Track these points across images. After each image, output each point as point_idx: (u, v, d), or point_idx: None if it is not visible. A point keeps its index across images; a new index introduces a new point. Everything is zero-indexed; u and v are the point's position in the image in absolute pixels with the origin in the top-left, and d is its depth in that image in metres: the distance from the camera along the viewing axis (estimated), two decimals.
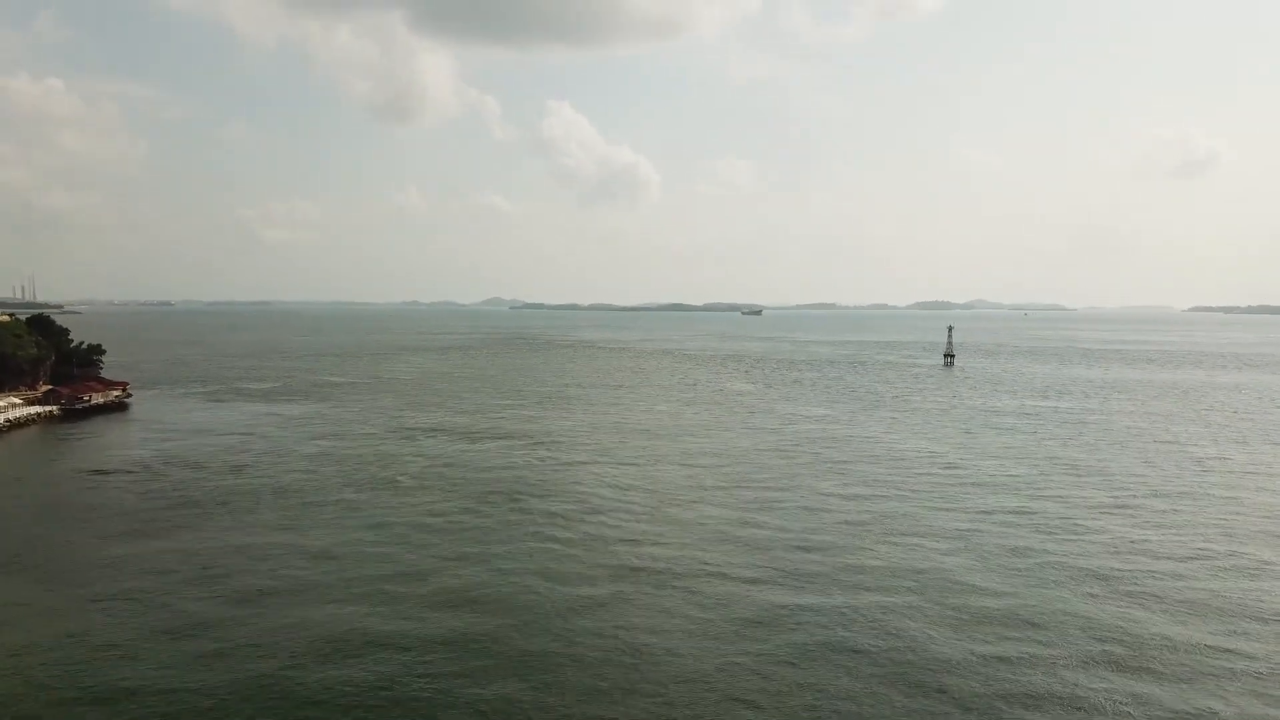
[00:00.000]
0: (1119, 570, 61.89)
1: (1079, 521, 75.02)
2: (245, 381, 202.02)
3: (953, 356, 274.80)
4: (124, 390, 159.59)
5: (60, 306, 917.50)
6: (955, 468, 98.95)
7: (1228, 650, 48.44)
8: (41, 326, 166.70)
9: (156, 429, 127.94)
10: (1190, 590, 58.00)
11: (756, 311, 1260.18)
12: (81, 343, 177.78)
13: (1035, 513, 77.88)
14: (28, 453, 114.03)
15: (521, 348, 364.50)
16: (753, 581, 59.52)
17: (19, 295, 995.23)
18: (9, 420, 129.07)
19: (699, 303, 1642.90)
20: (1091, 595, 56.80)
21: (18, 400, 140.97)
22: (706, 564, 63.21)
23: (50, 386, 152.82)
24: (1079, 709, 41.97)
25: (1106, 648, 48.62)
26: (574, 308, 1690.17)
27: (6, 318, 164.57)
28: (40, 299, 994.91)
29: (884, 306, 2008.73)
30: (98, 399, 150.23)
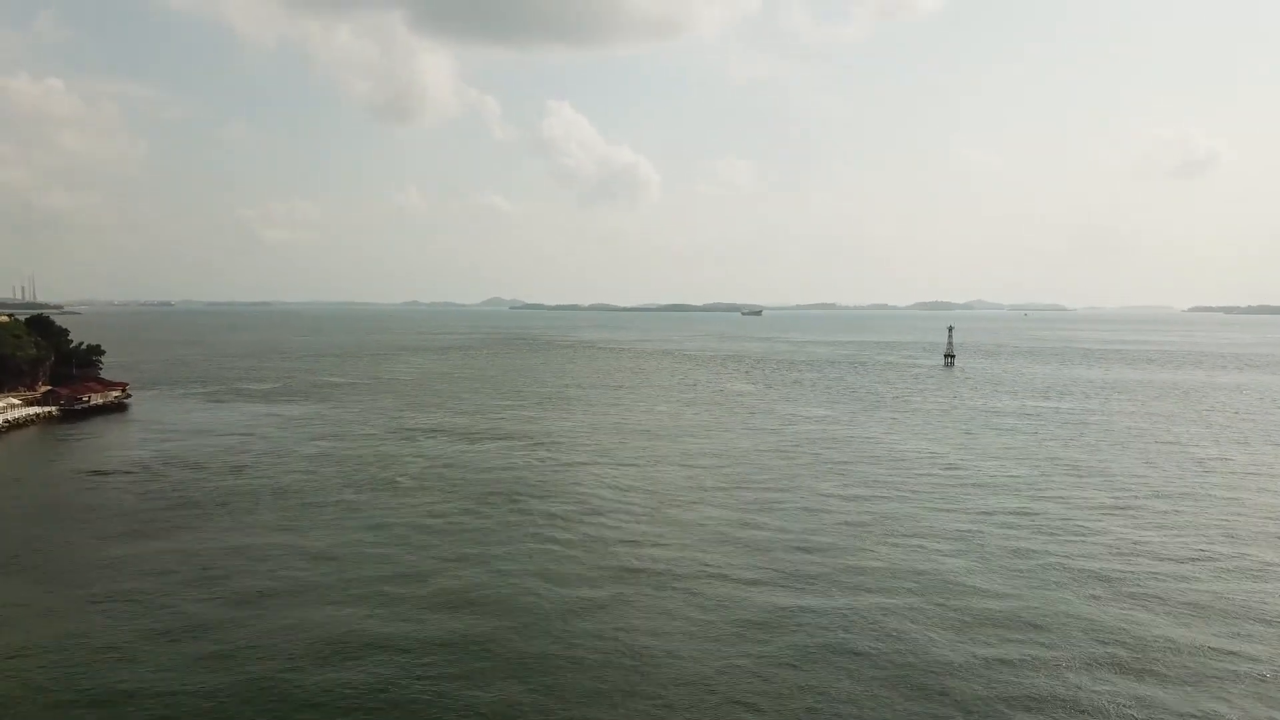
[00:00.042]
0: (1121, 572, 61.70)
1: (1080, 523, 74.82)
2: (245, 382, 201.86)
3: (953, 357, 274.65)
4: (123, 391, 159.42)
5: (60, 307, 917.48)
6: (956, 468, 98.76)
7: (1231, 652, 48.25)
8: (41, 327, 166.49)
9: (156, 429, 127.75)
10: (1193, 592, 57.81)
11: (757, 312, 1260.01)
12: (81, 343, 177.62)
13: (1037, 514, 77.68)
14: (27, 453, 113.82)
15: (521, 348, 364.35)
16: (753, 583, 59.33)
17: (19, 296, 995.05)
18: (8, 421, 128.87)
19: (699, 303, 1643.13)
20: (1094, 597, 56.61)
21: (17, 401, 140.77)
22: (707, 565, 63.01)
23: (49, 387, 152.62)
24: (1082, 712, 41.77)
25: (1109, 650, 48.42)
26: (574, 308, 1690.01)
27: (6, 318, 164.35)
28: (40, 299, 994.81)
29: (884, 307, 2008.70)
30: (97, 399, 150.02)
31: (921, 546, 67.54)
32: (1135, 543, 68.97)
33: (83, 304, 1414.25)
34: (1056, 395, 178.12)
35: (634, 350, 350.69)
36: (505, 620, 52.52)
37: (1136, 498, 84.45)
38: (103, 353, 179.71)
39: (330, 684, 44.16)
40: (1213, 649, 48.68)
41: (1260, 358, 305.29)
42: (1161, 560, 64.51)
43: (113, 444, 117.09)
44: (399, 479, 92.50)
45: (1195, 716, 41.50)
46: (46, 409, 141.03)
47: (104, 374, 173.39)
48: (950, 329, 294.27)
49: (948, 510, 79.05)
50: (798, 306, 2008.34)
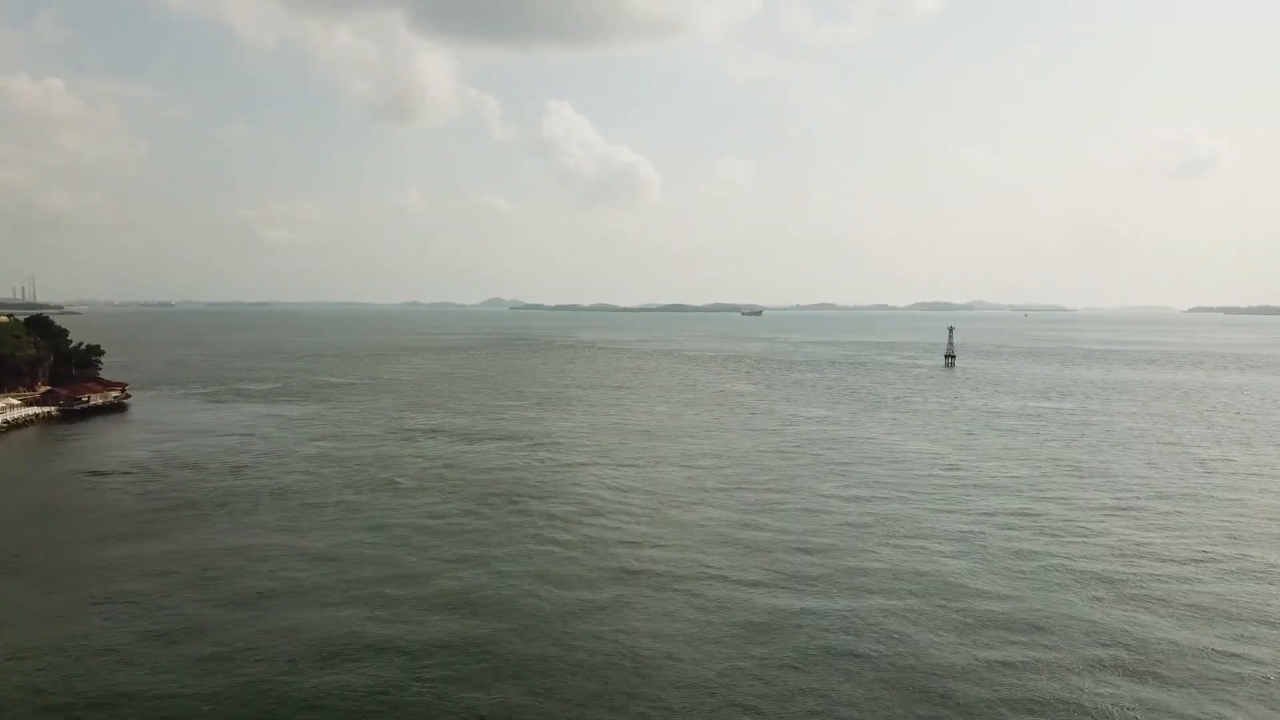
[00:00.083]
0: (1123, 573, 61.45)
1: (1082, 524, 74.58)
2: (245, 382, 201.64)
3: (953, 357, 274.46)
4: (123, 391, 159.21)
5: (60, 307, 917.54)
6: (957, 469, 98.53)
7: (1234, 655, 47.99)
8: (40, 327, 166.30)
9: (155, 430, 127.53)
10: (1196, 594, 57.56)
11: (757, 312, 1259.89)
12: (80, 343, 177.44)
13: (1038, 515, 77.44)
14: (26, 454, 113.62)
15: (521, 349, 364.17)
16: (754, 585, 59.09)
17: (19, 296, 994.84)
18: (7, 421, 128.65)
19: (699, 303, 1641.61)
20: (1096, 599, 56.37)
21: (16, 401, 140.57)
22: (707, 567, 62.78)
23: (49, 387, 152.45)
24: (1085, 715, 41.54)
25: (1112, 652, 48.19)
26: (574, 308, 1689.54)
27: (5, 318, 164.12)
28: (40, 299, 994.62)
29: (884, 307, 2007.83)
30: (96, 400, 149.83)
31: (923, 548, 67.31)
32: (1137, 544, 68.73)
33: (83, 304, 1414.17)
34: (1057, 396, 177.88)
35: (634, 351, 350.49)
36: (505, 622, 52.30)
37: (1138, 499, 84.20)
38: (102, 353, 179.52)
39: (329, 686, 43.93)
40: (1216, 651, 48.43)
41: (1261, 358, 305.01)
42: (1164, 562, 64.25)
43: (112, 444, 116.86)
44: (399, 480, 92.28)
45: None
46: (46, 409, 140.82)
47: (103, 374, 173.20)
48: (951, 329, 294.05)
49: (949, 511, 78.82)
50: (798, 307, 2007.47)
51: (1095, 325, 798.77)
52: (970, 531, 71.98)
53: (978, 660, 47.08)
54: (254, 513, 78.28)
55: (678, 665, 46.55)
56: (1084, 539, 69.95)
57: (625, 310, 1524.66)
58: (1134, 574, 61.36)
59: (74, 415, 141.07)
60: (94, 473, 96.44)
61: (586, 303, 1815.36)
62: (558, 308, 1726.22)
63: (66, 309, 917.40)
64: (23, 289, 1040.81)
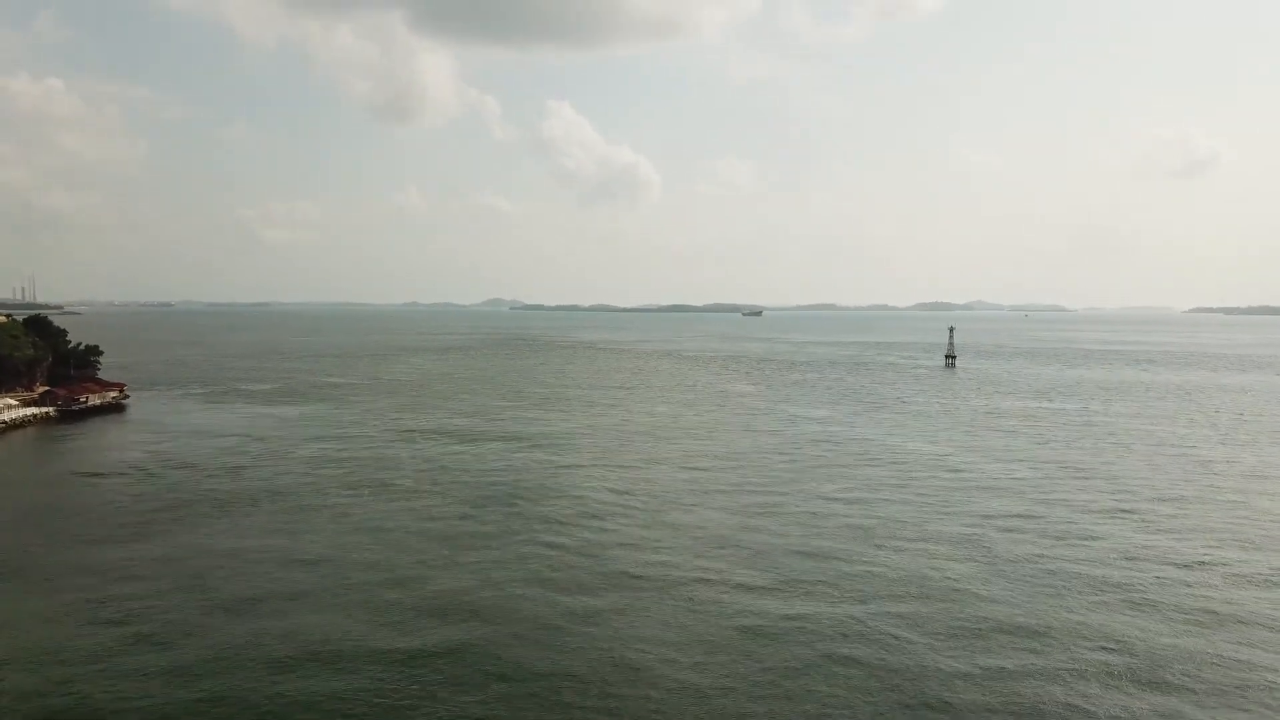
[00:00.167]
0: (1128, 578, 60.81)
1: (1085, 527, 73.96)
2: (244, 382, 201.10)
3: (954, 358, 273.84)
4: (121, 391, 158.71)
5: (60, 307, 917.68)
6: (958, 471, 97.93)
7: (1241, 661, 47.36)
8: (38, 327, 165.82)
9: (153, 430, 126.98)
10: (1202, 598, 56.90)
11: (757, 312, 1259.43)
12: (79, 344, 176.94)
13: (1041, 517, 76.82)
14: (23, 455, 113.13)
15: (521, 349, 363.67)
16: (753, 589, 58.48)
17: (19, 296, 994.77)
18: (5, 422, 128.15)
19: (699, 303, 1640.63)
20: (1101, 604, 55.71)
21: (14, 401, 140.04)
22: (707, 570, 62.16)
23: (47, 388, 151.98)
24: None
25: (1116, 658, 47.54)
26: (574, 309, 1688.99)
27: (4, 319, 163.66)
28: (40, 299, 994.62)
29: (884, 307, 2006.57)
30: (94, 400, 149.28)
31: (924, 551, 66.70)
32: (1142, 547, 68.10)
33: (83, 304, 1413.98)
34: (1059, 396, 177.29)
35: (634, 351, 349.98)
36: (501, 627, 51.69)
37: (1142, 501, 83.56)
38: (100, 353, 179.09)
39: (324, 691, 43.33)
40: (1223, 657, 47.77)
41: (1263, 359, 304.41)
42: (1169, 565, 63.60)
43: (109, 445, 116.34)
44: (397, 481, 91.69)
45: None
46: (44, 410, 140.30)
47: (102, 374, 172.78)
48: (951, 329, 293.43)
49: (950, 514, 78.21)
50: (798, 307, 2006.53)
51: (1095, 325, 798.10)
52: (972, 534, 71.37)
53: (979, 667, 46.47)
54: (251, 514, 77.71)
55: (675, 672, 45.93)
56: (1087, 542, 69.33)
57: (625, 310, 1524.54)
58: (1138, 578, 60.74)
59: (72, 416, 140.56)
60: (91, 474, 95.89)
61: (586, 303, 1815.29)
62: (558, 308, 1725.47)
63: (67, 309, 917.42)
64: (23, 289, 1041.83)
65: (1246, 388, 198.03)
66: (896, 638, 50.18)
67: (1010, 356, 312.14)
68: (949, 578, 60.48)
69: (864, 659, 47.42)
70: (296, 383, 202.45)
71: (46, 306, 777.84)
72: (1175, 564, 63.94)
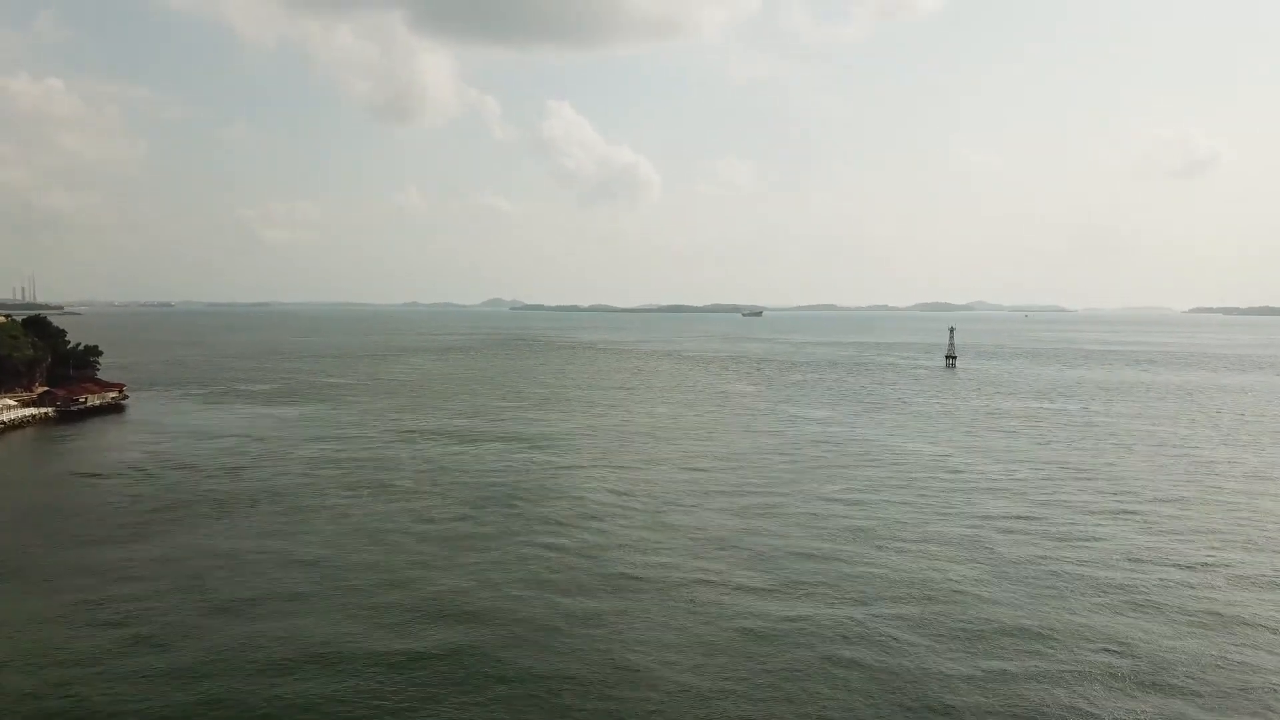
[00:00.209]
0: (1131, 579, 60.53)
1: (1088, 528, 73.70)
2: (243, 383, 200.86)
3: (954, 358, 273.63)
4: (120, 392, 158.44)
5: (60, 307, 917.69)
6: (959, 472, 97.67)
7: (1245, 664, 47.08)
8: (38, 328, 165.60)
9: (152, 431, 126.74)
10: (1206, 600, 56.60)
11: (757, 313, 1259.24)
12: (78, 344, 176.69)
13: (1042, 519, 76.55)
14: (22, 455, 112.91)
15: (521, 349, 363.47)
16: (754, 591, 58.22)
17: (19, 296, 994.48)
18: (4, 422, 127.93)
19: (699, 304, 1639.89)
20: (1103, 605, 55.44)
21: (13, 402, 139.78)
22: (706, 572, 61.89)
23: (46, 388, 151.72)
24: None
25: (1120, 661, 47.28)
26: (574, 309, 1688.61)
27: (3, 319, 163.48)
28: (40, 300, 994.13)
29: (884, 308, 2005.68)
30: (94, 401, 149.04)
31: (925, 553, 66.43)
32: (1145, 548, 67.83)
33: (83, 304, 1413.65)
34: (1059, 397, 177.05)
35: (634, 351, 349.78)
36: (500, 630, 51.43)
37: (1144, 502, 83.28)
38: (100, 354, 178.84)
39: (320, 694, 43.07)
40: (1227, 659, 47.51)
41: (1264, 359, 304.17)
42: (1172, 567, 63.33)
43: (108, 445, 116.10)
44: (397, 482, 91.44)
45: None
46: (43, 410, 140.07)
47: (101, 375, 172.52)
48: (952, 330, 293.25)
49: (951, 515, 77.95)
50: (798, 307, 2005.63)
51: (1096, 326, 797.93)
52: (973, 536, 71.11)
53: (981, 669, 46.21)
54: (250, 515, 77.46)
55: (675, 674, 45.68)
56: (1089, 543, 69.07)
57: (625, 311, 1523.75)
58: (1141, 579, 60.47)
59: (71, 416, 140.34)
60: (90, 474, 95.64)
61: (586, 303, 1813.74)
62: (558, 308, 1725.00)
63: (67, 309, 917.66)
64: (23, 289, 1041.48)
65: (1247, 388, 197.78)
66: (898, 640, 49.92)
67: (1010, 357, 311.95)
68: (950, 579, 60.23)
69: (865, 661, 47.17)
70: (296, 383, 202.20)
71: (47, 307, 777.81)
72: (1178, 565, 63.67)
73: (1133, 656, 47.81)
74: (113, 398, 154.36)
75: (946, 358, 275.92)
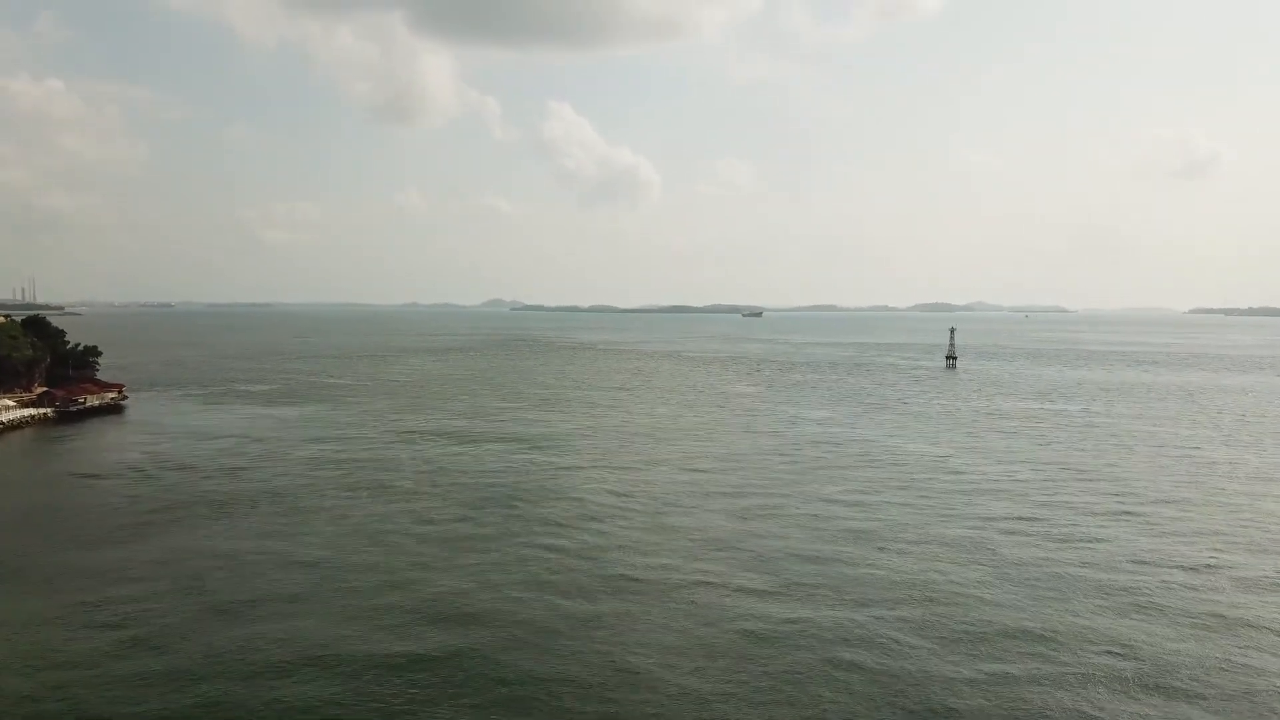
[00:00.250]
0: (1134, 582, 60.24)
1: (1090, 529, 73.42)
2: (242, 383, 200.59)
3: (955, 358, 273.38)
4: (119, 392, 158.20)
5: (61, 308, 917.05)
6: (960, 473, 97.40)
7: (1249, 667, 46.80)
8: (37, 328, 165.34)
9: (151, 431, 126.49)
10: (1209, 602, 56.30)
11: (757, 313, 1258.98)
12: (77, 344, 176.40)
13: (1044, 520, 76.28)
14: (20, 456, 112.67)
15: (521, 349, 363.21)
16: (754, 593, 57.95)
17: (19, 297, 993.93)
18: (3, 423, 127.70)
19: (699, 304, 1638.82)
20: (1106, 608, 55.15)
21: (12, 402, 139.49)
22: (707, 574, 61.61)
23: (45, 389, 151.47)
24: None
25: (1123, 663, 47.00)
26: (574, 309, 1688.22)
27: (2, 319, 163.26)
28: (40, 300, 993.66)
29: (884, 308, 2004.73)
30: (93, 401, 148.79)
31: (926, 555, 66.15)
32: (1147, 550, 67.53)
33: (83, 305, 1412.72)
34: (1060, 397, 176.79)
35: (635, 352, 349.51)
36: (498, 633, 51.15)
37: (1146, 503, 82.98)
38: (99, 354, 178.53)
39: (319, 698, 42.80)
40: (1231, 662, 47.24)
41: (1265, 359, 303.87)
42: (1175, 569, 63.02)
43: (107, 446, 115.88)
44: (396, 483, 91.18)
45: None
46: (42, 411, 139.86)
47: (101, 375, 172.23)
48: (952, 330, 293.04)
49: (952, 516, 77.68)
50: (798, 308, 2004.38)
51: (1096, 326, 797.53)
52: (975, 537, 70.83)
53: (984, 672, 45.94)
54: (248, 517, 77.19)
55: (675, 676, 45.40)
56: (1091, 545, 68.78)
57: (625, 311, 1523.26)
58: (1144, 581, 60.18)
59: (70, 417, 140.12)
60: (89, 475, 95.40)
61: (586, 304, 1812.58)
62: (558, 309, 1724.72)
63: (67, 310, 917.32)
64: (23, 290, 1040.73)
65: (1248, 389, 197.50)
66: (899, 642, 49.66)
67: (1011, 357, 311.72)
68: (952, 581, 59.96)
69: (866, 664, 46.90)
70: (296, 383, 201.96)
71: (47, 307, 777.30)
72: (1181, 567, 63.40)
73: (1136, 659, 47.54)
74: (112, 398, 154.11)
75: (947, 358, 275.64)
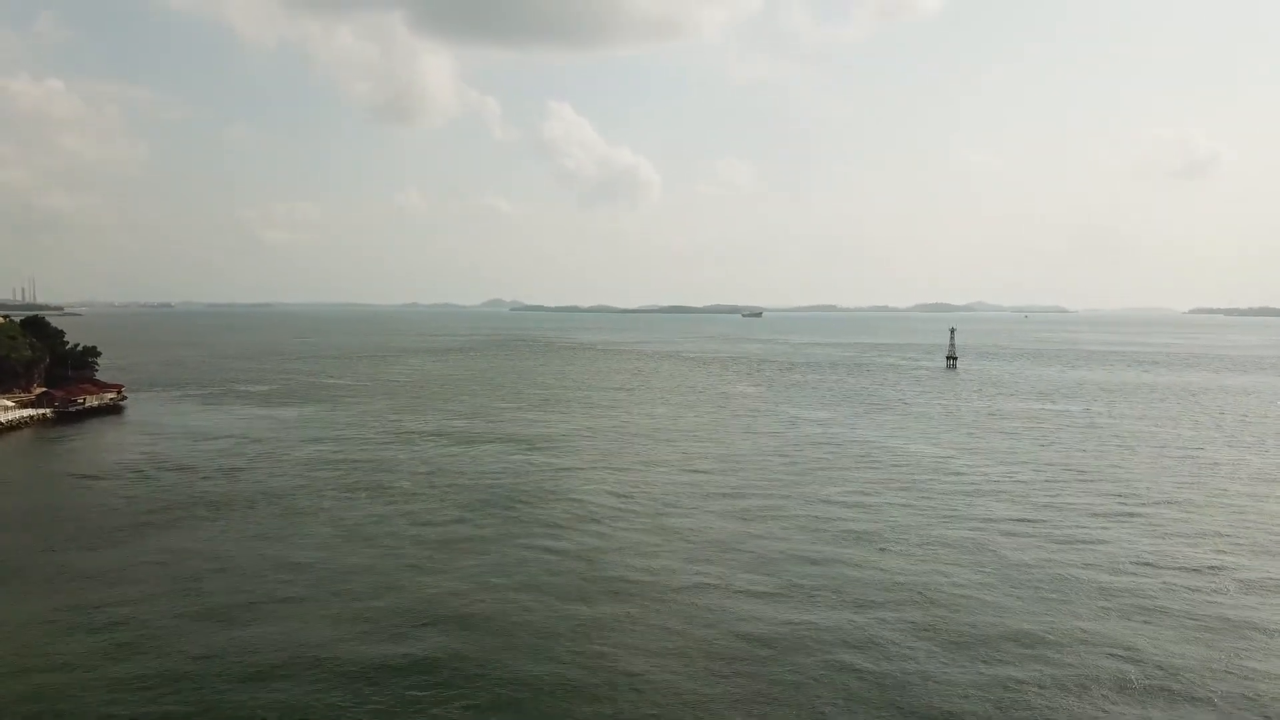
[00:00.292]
0: (1137, 584, 59.91)
1: (1092, 531, 73.07)
2: (242, 384, 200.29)
3: (955, 359, 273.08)
4: (119, 393, 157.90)
5: (61, 308, 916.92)
6: (961, 474, 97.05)
7: (1253, 669, 46.44)
8: (36, 328, 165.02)
9: (150, 432, 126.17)
10: (1213, 605, 55.95)
11: (757, 313, 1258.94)
12: (77, 345, 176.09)
13: (1045, 521, 75.94)
14: (20, 456, 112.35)
15: (521, 350, 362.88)
16: (754, 596, 57.61)
17: (19, 297, 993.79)
18: (2, 423, 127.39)
19: (699, 304, 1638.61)
20: (1109, 610, 54.82)
21: (11, 403, 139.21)
22: (707, 576, 61.28)
23: (44, 389, 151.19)
24: None
25: (1126, 667, 46.66)
26: (574, 310, 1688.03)
27: (2, 320, 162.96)
28: (40, 300, 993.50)
29: (885, 308, 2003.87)
30: (92, 402, 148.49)
31: (927, 557, 65.82)
32: (1150, 552, 67.18)
33: (83, 305, 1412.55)
34: (1061, 398, 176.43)
35: (635, 352, 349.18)
36: (496, 636, 50.81)
37: (1149, 504, 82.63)
38: (98, 354, 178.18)
39: (317, 702, 42.48)
40: (1236, 664, 46.89)
41: (1266, 360, 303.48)
42: (1178, 571, 62.66)
43: (106, 447, 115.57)
44: (394, 484, 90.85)
45: None
46: (41, 411, 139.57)
47: (100, 375, 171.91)
48: (952, 330, 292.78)
49: (954, 518, 77.35)
50: (798, 308, 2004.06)
51: (1096, 326, 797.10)
52: (976, 539, 70.50)
53: (986, 675, 45.61)
54: (246, 518, 76.86)
55: (675, 680, 45.07)
56: (1093, 546, 68.44)
57: (625, 311, 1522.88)
58: (1147, 584, 59.85)
59: (69, 417, 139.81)
60: (87, 475, 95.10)
61: (586, 304, 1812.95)
62: (558, 309, 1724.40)
63: (67, 310, 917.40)
64: (23, 290, 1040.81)
65: (1250, 389, 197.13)
66: (900, 645, 49.33)
67: (1012, 358, 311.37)
68: (954, 583, 59.62)
69: (867, 666, 46.57)
70: (295, 384, 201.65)
71: (47, 307, 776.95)
72: (1184, 569, 63.05)
73: (1139, 662, 47.20)
74: (111, 399, 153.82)
75: (947, 358, 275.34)
